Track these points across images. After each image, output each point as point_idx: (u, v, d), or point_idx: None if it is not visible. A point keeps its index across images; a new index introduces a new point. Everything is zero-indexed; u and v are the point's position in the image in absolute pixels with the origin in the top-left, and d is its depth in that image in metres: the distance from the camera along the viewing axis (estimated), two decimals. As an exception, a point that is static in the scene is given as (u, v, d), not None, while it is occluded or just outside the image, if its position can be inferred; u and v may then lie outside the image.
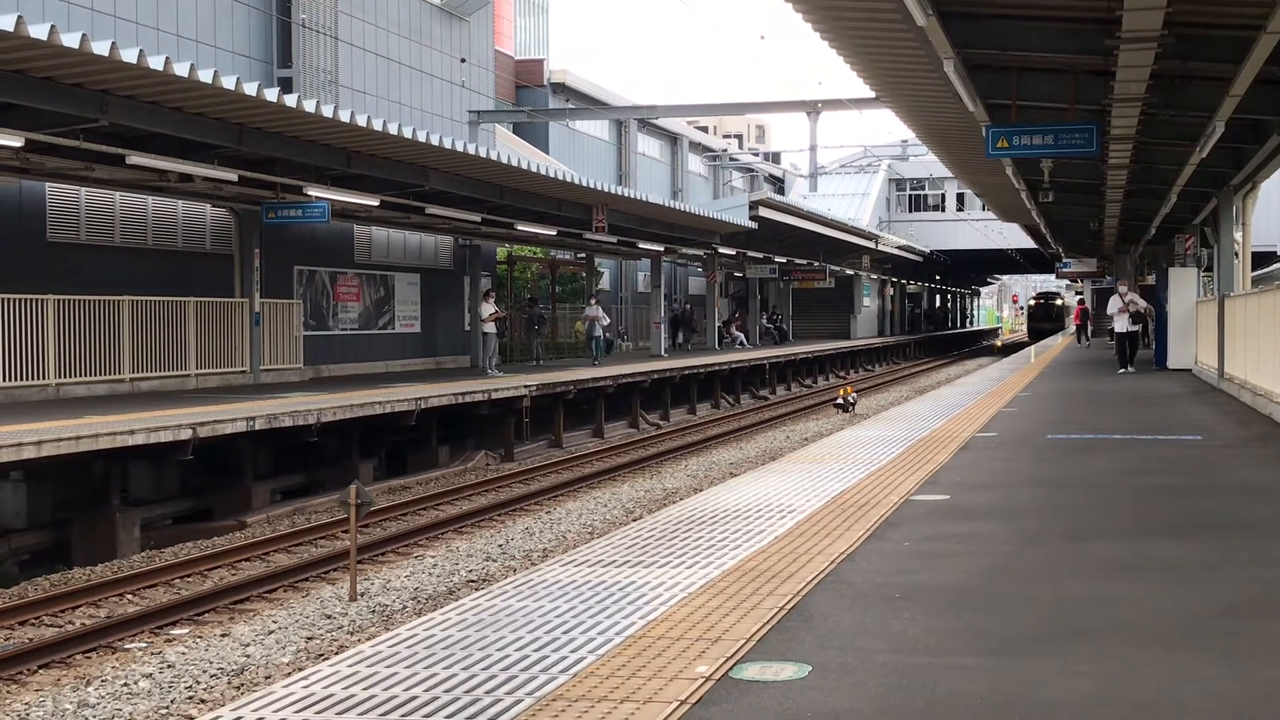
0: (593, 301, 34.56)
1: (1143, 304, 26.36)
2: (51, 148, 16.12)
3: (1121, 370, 25.13)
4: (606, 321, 34.51)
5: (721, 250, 41.77)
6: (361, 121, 17.83)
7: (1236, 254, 22.61)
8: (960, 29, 12.81)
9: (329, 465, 18.38)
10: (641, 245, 35.81)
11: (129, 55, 13.81)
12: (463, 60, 32.17)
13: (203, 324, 21.38)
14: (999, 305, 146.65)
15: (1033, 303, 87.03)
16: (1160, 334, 26.95)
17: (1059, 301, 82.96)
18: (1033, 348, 45.52)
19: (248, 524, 15.64)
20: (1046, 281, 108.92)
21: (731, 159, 64.42)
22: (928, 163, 53.94)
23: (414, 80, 29.93)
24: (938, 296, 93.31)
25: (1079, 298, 73.34)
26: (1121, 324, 25.85)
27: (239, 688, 8.83)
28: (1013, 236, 57.98)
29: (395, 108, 28.72)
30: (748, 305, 52.45)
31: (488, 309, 26.81)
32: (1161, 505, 8.56)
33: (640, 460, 22.17)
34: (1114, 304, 26.10)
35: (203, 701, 8.56)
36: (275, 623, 10.73)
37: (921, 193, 74.57)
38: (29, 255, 18.98)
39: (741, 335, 47.75)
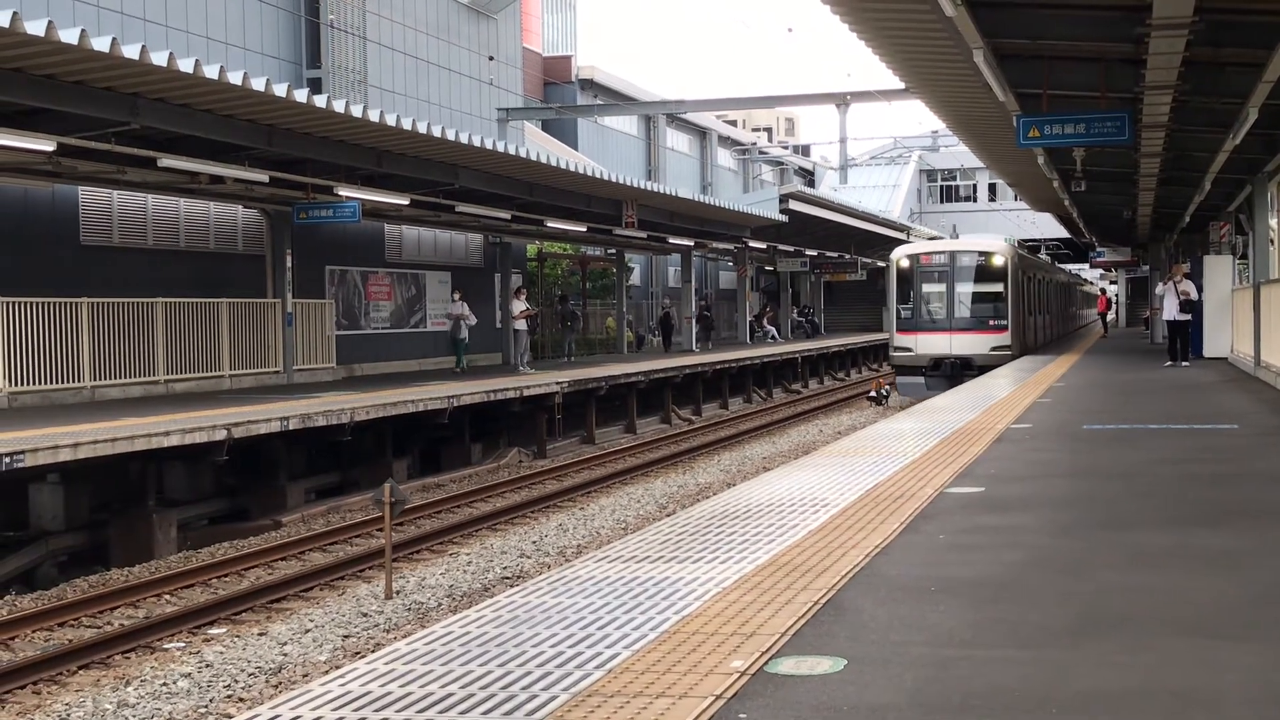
0: (455, 297, 27.83)
1: (1195, 293, 24.06)
2: (83, 151, 16.24)
3: (1169, 363, 23.38)
4: (473, 321, 27.62)
5: (752, 244, 41.74)
6: (391, 121, 17.88)
7: (1272, 241, 22.40)
8: (989, 18, 12.73)
9: (363, 464, 18.46)
10: (672, 240, 35.80)
11: (159, 58, 13.89)
12: (491, 58, 32.22)
13: (236, 325, 21.49)
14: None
15: (905, 263, 30.10)
16: (1196, 322, 26.35)
17: (1001, 262, 30.07)
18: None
19: (283, 523, 15.72)
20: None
21: (761, 152, 64.32)
22: (959, 153, 53.60)
23: (442, 79, 29.99)
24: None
25: (1101, 286, 70.92)
26: (1170, 310, 23.67)
27: (277, 686, 8.88)
28: (1046, 226, 57.60)
29: (424, 106, 28.78)
30: (779, 299, 52.35)
31: (519, 306, 26.88)
32: (1198, 495, 8.49)
33: (673, 455, 22.17)
34: (1161, 287, 24.34)
35: (241, 700, 8.61)
36: (312, 621, 10.78)
37: (953, 183, 74.33)
38: (63, 259, 19.13)
39: (773, 329, 47.66)
